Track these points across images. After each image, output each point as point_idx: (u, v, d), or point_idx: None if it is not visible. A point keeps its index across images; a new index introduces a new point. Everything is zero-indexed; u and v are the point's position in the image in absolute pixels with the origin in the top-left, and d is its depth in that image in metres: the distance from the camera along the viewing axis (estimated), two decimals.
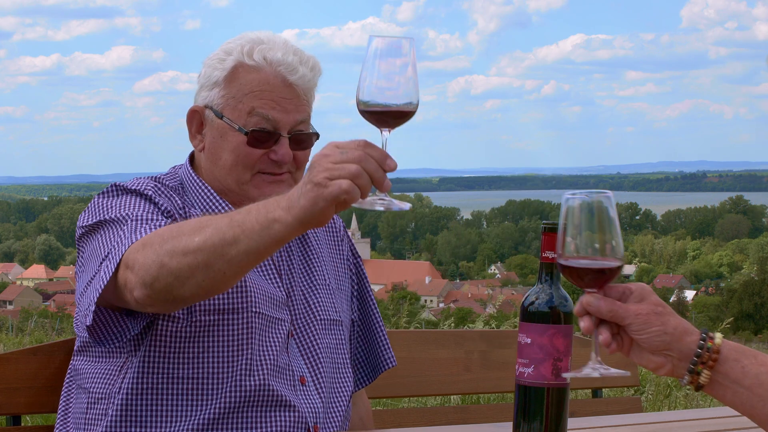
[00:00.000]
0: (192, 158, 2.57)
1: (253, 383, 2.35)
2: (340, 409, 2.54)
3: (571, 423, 2.13)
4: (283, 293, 2.47)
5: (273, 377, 2.37)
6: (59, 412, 2.50)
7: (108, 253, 2.21)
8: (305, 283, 2.54)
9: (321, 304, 2.53)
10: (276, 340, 2.41)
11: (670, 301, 77.47)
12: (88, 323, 2.20)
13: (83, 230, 2.35)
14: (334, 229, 2.69)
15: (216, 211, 2.45)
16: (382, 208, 1.92)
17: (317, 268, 2.58)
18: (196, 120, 2.50)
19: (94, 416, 2.39)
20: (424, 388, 3.21)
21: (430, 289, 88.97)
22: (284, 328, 2.44)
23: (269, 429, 2.36)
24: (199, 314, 2.32)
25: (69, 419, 2.46)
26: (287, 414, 2.38)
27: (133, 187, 2.38)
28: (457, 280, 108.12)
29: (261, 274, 2.46)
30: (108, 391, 2.37)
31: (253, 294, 2.37)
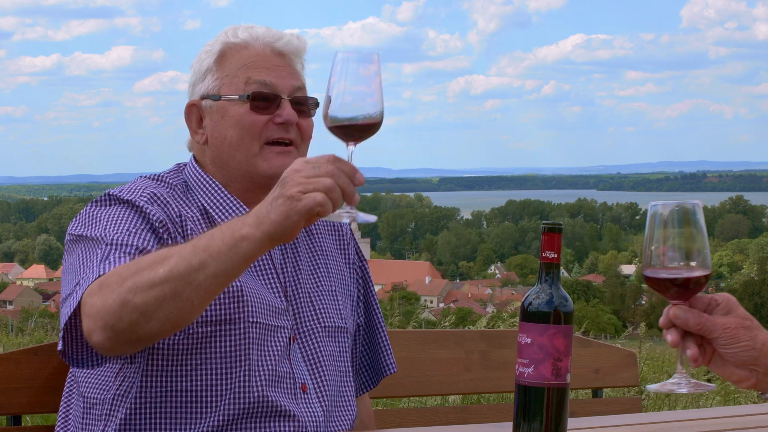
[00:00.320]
0: (195, 157, 2.53)
1: (251, 395, 2.32)
2: (343, 418, 2.52)
3: (571, 423, 2.12)
4: (283, 301, 2.43)
5: (272, 387, 2.35)
6: (60, 413, 2.49)
7: (77, 283, 2.18)
8: (312, 288, 2.51)
9: (326, 310, 2.51)
10: (275, 348, 2.37)
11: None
12: (59, 348, 2.20)
13: (69, 237, 2.33)
14: (340, 234, 2.66)
15: (224, 205, 2.42)
16: (347, 220, 1.97)
17: (324, 274, 2.55)
18: (195, 114, 2.48)
19: (90, 421, 2.38)
20: (424, 388, 3.21)
21: (430, 289, 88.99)
22: (284, 335, 2.40)
23: None
24: (196, 326, 2.29)
25: (69, 421, 2.46)
26: (287, 424, 2.35)
27: (126, 197, 2.33)
28: (457, 280, 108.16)
29: (260, 281, 2.42)
30: (102, 397, 2.36)
31: (249, 303, 2.33)
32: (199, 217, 2.41)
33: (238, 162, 2.41)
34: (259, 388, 2.33)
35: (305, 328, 2.46)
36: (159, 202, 2.36)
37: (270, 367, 2.35)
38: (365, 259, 2.74)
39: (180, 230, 2.34)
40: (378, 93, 1.95)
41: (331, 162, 1.94)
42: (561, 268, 2.10)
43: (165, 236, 2.30)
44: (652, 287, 1.82)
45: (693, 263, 1.76)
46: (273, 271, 2.45)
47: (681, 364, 1.80)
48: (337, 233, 2.66)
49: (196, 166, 2.49)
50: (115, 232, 2.24)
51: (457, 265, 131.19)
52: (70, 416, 2.46)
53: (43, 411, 2.63)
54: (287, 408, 2.36)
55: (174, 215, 2.35)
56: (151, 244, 2.24)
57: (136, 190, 2.37)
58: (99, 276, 2.12)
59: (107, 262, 2.16)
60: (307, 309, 2.47)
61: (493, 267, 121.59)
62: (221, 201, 2.43)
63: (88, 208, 2.36)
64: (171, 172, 2.51)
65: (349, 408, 2.55)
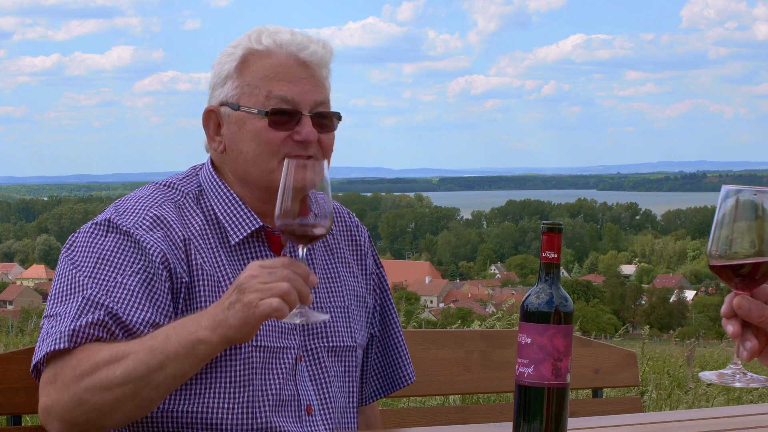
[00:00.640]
0: (213, 161, 2.45)
1: (256, 421, 2.29)
2: None
3: (571, 423, 2.12)
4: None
5: (276, 412, 2.31)
6: None
7: (47, 333, 2.17)
8: (324, 303, 2.46)
9: (337, 329, 2.46)
10: (281, 370, 2.33)
11: (670, 301, 77.54)
12: (32, 373, 2.21)
13: (64, 256, 2.29)
14: (358, 244, 2.61)
15: (238, 216, 2.36)
16: (298, 320, 2.03)
17: (338, 288, 2.51)
18: (213, 121, 2.40)
19: None
20: (425, 388, 3.21)
21: (430, 289, 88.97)
22: (291, 355, 2.36)
23: None
24: None
25: None
26: None
27: (126, 225, 2.27)
28: (457, 280, 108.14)
29: None
30: None
31: None
32: (208, 230, 2.35)
33: (255, 177, 2.36)
34: (264, 414, 2.30)
35: (313, 346, 2.41)
36: (162, 226, 2.29)
37: (275, 391, 2.32)
38: (382, 266, 2.69)
39: (183, 256, 2.28)
40: (328, 201, 2.04)
41: (287, 266, 1.99)
42: (561, 268, 2.10)
43: (161, 269, 2.24)
44: (716, 273, 1.78)
45: (763, 253, 1.72)
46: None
47: (737, 356, 1.78)
48: (354, 243, 2.61)
49: (212, 171, 2.43)
50: (99, 282, 2.20)
51: (457, 265, 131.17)
52: None
53: None
54: None
55: (177, 240, 2.29)
56: (128, 301, 2.19)
57: (140, 212, 2.30)
58: (64, 346, 2.12)
59: (76, 324, 2.14)
60: (318, 326, 2.43)
61: (493, 267, 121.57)
62: (235, 212, 2.37)
63: (88, 232, 2.29)
64: (185, 177, 2.44)
65: (352, 427, 2.52)
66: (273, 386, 2.32)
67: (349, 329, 2.50)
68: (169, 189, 2.40)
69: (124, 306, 2.18)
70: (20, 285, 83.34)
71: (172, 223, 2.31)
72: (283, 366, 2.34)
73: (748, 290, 1.76)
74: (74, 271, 2.24)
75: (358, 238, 2.62)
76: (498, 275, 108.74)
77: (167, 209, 2.34)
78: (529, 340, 2.02)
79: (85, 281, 2.21)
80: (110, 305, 2.17)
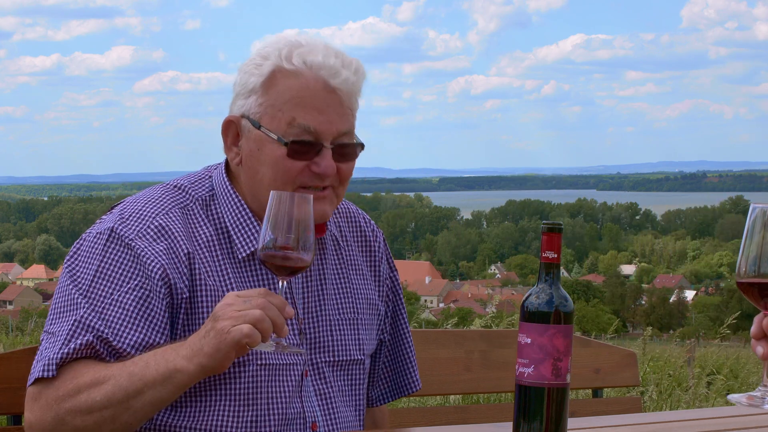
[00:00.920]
0: (228, 164, 2.41)
1: None
2: None
3: (571, 423, 2.12)
4: (296, 336, 2.36)
5: (281, 431, 2.30)
6: None
7: (44, 348, 2.19)
8: (333, 314, 2.43)
9: (345, 342, 2.43)
10: (286, 387, 2.31)
11: (670, 301, 77.52)
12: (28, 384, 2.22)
13: (67, 264, 2.28)
14: (372, 250, 2.58)
15: (248, 231, 2.33)
16: (272, 349, 2.05)
17: (349, 298, 2.48)
18: (232, 131, 2.34)
19: None
20: (424, 388, 3.20)
21: (430, 289, 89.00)
22: (296, 371, 2.34)
23: None
24: None
25: None
26: None
27: (128, 237, 2.23)
28: (457, 280, 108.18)
29: None
30: None
31: None
32: (215, 242, 2.31)
33: (267, 199, 2.28)
34: None
35: (319, 361, 2.39)
36: (166, 237, 2.26)
37: (280, 409, 2.30)
38: (396, 270, 2.66)
39: (186, 270, 2.25)
40: (311, 235, 2.04)
41: (262, 295, 2.02)
42: (561, 268, 2.10)
43: (159, 286, 2.21)
44: (743, 293, 1.77)
45: None
46: (291, 303, 2.36)
47: None
48: (369, 249, 2.58)
49: (226, 178, 2.38)
50: (93, 300, 2.20)
51: (457, 265, 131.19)
52: None
53: None
54: None
55: (181, 254, 2.25)
56: (121, 322, 2.18)
57: (146, 219, 2.27)
58: (51, 374, 2.14)
59: (64, 351, 2.15)
60: (325, 340, 2.41)
61: (493, 267, 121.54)
62: (245, 225, 2.33)
63: (89, 241, 2.27)
64: (197, 180, 2.39)
65: None
66: (278, 404, 2.30)
67: (357, 341, 2.47)
68: (179, 192, 2.35)
69: (115, 328, 2.18)
70: (20, 285, 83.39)
71: (177, 234, 2.26)
72: (288, 383, 2.32)
73: None
74: (71, 287, 2.23)
75: (372, 243, 2.59)
76: (498, 275, 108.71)
77: (174, 218, 2.29)
78: (529, 340, 2.02)
79: (80, 300, 2.20)
80: (101, 328, 2.17)
